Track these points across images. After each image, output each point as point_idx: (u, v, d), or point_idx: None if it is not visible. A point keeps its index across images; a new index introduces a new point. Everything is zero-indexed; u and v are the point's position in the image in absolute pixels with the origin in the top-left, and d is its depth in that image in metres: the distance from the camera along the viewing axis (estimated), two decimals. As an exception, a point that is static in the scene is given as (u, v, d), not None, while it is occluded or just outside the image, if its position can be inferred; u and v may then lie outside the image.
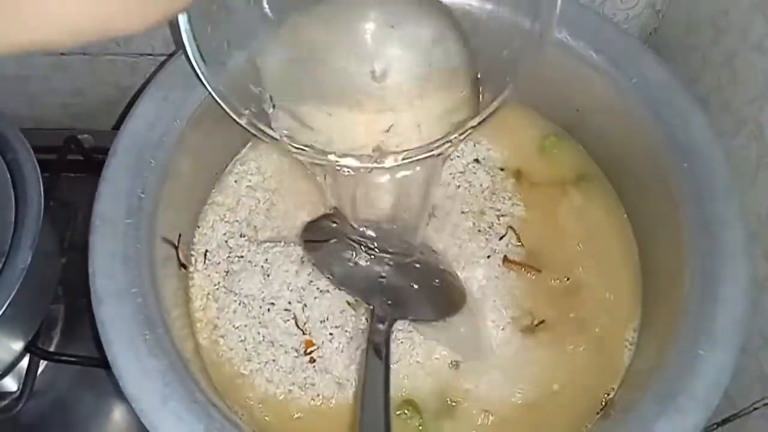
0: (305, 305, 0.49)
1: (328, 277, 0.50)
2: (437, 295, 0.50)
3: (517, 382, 0.48)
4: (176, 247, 0.49)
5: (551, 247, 0.52)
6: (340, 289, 0.49)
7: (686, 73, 0.54)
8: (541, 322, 0.50)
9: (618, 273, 0.51)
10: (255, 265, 0.51)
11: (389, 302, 0.48)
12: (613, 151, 0.54)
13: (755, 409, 0.48)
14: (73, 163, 0.63)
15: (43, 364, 0.59)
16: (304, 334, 0.49)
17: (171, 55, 0.49)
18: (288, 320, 0.49)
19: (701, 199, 0.45)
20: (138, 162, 0.45)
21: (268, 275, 0.50)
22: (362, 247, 0.48)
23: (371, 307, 0.48)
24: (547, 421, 0.47)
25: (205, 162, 0.52)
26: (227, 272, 0.51)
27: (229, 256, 0.52)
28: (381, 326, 0.47)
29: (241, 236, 0.52)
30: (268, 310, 0.49)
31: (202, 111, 0.48)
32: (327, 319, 0.49)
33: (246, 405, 0.47)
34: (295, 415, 0.47)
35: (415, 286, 0.49)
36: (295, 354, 0.48)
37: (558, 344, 0.49)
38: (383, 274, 0.49)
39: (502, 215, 0.53)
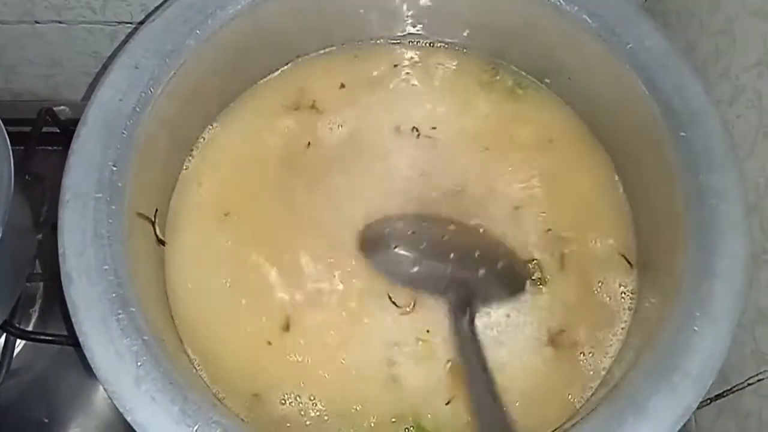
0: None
1: (396, 281, 0.49)
2: (506, 276, 0.50)
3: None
4: (153, 222, 0.47)
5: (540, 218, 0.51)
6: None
7: (684, 40, 0.53)
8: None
9: (612, 247, 0.50)
10: (233, 238, 0.49)
11: (463, 295, 0.48)
12: (608, 120, 0.52)
13: (749, 384, 0.47)
14: (49, 135, 0.62)
15: (21, 343, 0.58)
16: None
17: (133, 23, 0.47)
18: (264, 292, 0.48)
19: (698, 169, 0.44)
20: (109, 133, 0.43)
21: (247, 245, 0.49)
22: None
23: (450, 303, 0.48)
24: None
25: (181, 132, 0.51)
26: (206, 245, 0.50)
27: (207, 229, 0.50)
28: (465, 318, 0.47)
29: (219, 209, 0.51)
30: (248, 281, 0.48)
31: (177, 79, 0.46)
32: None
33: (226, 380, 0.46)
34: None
35: (482, 272, 0.49)
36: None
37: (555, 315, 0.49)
38: (448, 270, 0.50)
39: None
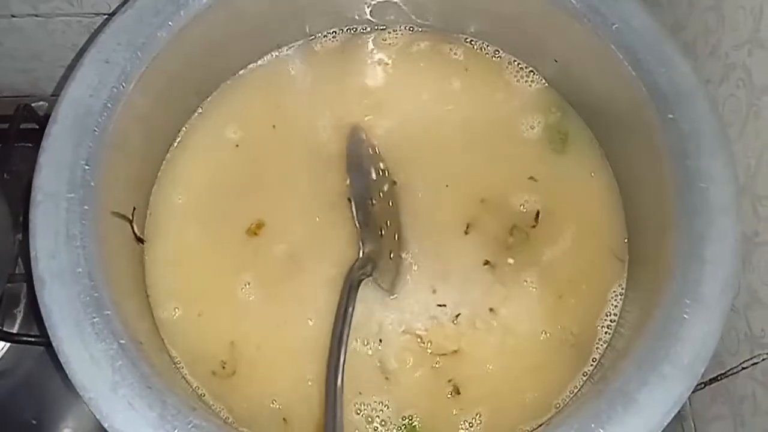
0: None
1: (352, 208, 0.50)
2: (397, 271, 0.49)
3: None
4: (131, 222, 0.46)
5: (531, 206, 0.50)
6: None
7: (672, 18, 0.52)
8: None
9: (601, 234, 0.49)
10: (215, 234, 0.49)
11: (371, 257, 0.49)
12: (595, 103, 0.51)
13: (743, 368, 0.46)
14: (27, 132, 0.61)
15: (6, 344, 0.57)
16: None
17: (112, 14, 0.46)
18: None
19: (687, 152, 0.43)
20: (80, 131, 0.42)
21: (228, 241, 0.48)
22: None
23: (364, 247, 0.49)
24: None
25: (157, 127, 0.49)
26: (189, 242, 0.49)
27: (189, 225, 0.49)
28: (359, 273, 0.47)
29: (201, 204, 0.50)
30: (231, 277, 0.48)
31: (150, 73, 0.45)
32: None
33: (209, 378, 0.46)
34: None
35: (391, 257, 0.49)
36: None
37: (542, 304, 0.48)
38: (382, 232, 0.49)
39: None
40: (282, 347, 0.47)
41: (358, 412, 0.46)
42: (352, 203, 0.50)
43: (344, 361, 0.42)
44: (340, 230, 0.50)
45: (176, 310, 0.47)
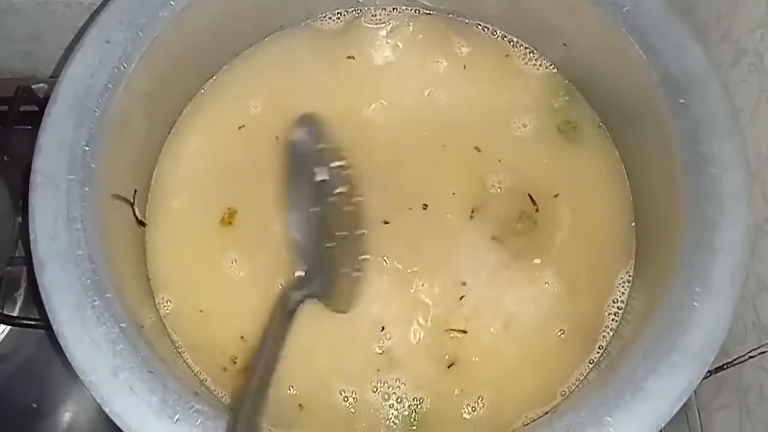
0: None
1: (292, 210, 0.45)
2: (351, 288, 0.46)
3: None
4: (132, 204, 0.45)
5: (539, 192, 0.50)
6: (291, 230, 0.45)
7: (684, 1, 0.51)
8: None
9: (610, 221, 0.49)
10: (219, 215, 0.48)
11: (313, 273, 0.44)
12: (605, 88, 0.50)
13: (750, 357, 0.46)
14: (27, 114, 0.60)
15: (6, 327, 0.57)
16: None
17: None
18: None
19: (697, 137, 0.42)
20: (81, 111, 0.41)
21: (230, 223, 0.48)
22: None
23: (300, 269, 0.44)
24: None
25: (159, 109, 0.49)
26: (191, 224, 0.48)
27: (191, 207, 0.49)
28: (297, 294, 0.42)
29: (203, 186, 0.49)
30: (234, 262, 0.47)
31: (152, 53, 0.44)
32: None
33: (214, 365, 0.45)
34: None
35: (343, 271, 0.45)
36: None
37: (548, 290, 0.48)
38: (330, 244, 0.45)
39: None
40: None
41: (375, 389, 0.46)
42: (288, 212, 0.46)
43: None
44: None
45: (168, 302, 0.47)
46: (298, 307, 0.42)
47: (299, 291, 0.43)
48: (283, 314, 0.41)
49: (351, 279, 0.46)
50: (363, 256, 0.46)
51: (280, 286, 0.47)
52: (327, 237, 0.45)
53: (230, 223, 0.48)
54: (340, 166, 0.46)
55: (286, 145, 0.48)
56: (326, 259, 0.45)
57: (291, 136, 0.48)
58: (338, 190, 0.46)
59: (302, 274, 0.44)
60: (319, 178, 0.46)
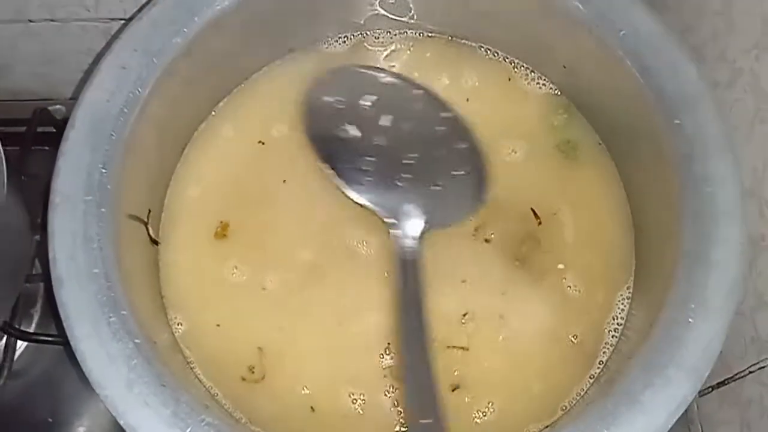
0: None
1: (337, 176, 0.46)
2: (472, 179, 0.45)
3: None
4: (146, 224, 0.47)
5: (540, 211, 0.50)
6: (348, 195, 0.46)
7: (680, 23, 0.52)
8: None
9: (611, 238, 0.50)
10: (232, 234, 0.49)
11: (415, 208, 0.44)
12: (604, 108, 0.51)
13: (750, 372, 0.46)
14: (44, 135, 0.62)
15: (23, 343, 0.58)
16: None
17: (129, 20, 0.46)
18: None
19: (693, 156, 0.43)
20: (98, 135, 0.43)
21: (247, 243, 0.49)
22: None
23: (393, 221, 0.44)
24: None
25: (172, 131, 0.50)
26: (203, 243, 0.49)
27: (204, 226, 0.50)
28: (410, 242, 0.42)
29: (215, 205, 0.50)
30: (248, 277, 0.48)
31: (166, 78, 0.45)
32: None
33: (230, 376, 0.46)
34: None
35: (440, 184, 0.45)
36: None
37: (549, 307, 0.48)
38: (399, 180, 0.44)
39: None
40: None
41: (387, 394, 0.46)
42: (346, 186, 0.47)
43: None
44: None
45: (181, 319, 0.48)
46: (417, 248, 0.42)
47: (405, 236, 0.43)
48: (408, 267, 0.41)
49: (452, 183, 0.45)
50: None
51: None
52: (394, 172, 0.45)
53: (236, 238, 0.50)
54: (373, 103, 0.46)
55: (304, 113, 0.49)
56: (404, 191, 0.44)
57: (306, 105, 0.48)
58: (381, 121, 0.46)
59: (394, 221, 0.44)
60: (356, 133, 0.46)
